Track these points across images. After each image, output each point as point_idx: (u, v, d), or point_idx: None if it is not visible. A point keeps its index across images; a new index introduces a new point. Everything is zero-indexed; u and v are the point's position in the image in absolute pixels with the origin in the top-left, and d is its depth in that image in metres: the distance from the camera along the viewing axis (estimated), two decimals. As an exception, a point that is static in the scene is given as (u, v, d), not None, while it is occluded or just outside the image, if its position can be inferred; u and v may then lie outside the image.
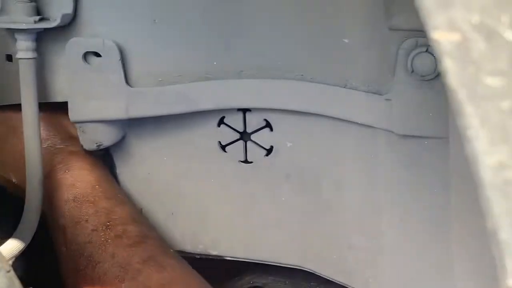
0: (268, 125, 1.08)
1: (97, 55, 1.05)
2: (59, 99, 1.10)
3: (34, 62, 1.03)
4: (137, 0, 1.03)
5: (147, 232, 1.09)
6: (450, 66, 0.36)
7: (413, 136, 0.96)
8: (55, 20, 1.01)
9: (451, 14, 0.36)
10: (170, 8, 1.03)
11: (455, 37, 0.36)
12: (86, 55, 1.05)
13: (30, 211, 1.02)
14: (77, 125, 1.10)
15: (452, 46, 0.36)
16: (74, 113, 1.08)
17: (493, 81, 0.35)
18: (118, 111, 1.07)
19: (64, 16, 1.02)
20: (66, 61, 1.06)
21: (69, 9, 1.03)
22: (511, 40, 0.34)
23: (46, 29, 1.03)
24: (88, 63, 1.05)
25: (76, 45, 1.05)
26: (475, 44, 0.35)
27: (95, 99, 1.06)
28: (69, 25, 1.05)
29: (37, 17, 1.00)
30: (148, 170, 1.16)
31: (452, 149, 0.88)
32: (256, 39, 1.02)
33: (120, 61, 1.04)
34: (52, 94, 1.09)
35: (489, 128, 0.35)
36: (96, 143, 1.11)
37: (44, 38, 1.06)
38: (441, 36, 0.36)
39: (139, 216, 1.13)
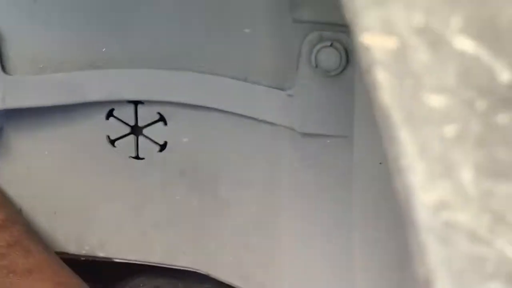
0: (162, 118, 1.01)
1: None
2: None
3: None
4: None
5: (13, 217, 1.04)
6: (382, 80, 0.28)
7: (316, 134, 0.93)
8: None
9: (387, 13, 0.29)
10: (54, -13, 0.93)
11: (391, 42, 0.29)
12: None
13: None
14: None
15: (387, 54, 0.28)
16: None
17: (436, 101, 0.28)
18: None
19: None
20: None
21: None
22: (461, 49, 0.28)
23: None
24: None
25: None
26: (416, 53, 0.28)
27: None
28: None
29: None
30: (27, 165, 1.07)
31: (356, 149, 0.86)
32: (150, 26, 0.95)
33: None
34: None
35: (429, 159, 0.28)
36: None
37: None
38: (373, 41, 0.29)
39: (5, 200, 1.06)
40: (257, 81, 0.94)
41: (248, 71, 0.94)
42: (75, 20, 0.95)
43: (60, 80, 0.96)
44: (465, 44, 0.27)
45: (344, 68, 0.88)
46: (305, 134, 0.93)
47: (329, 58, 0.87)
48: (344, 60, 0.87)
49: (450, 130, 0.28)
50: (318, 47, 0.88)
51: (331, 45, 0.87)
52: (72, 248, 1.10)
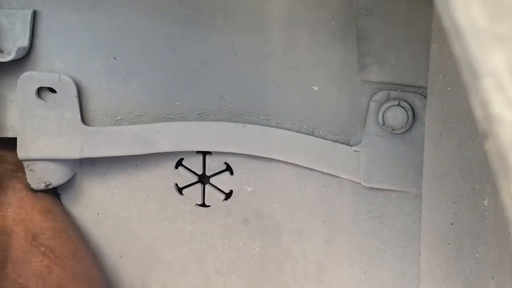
0: (228, 168, 1.05)
1: (52, 90, 0.99)
2: (10, 134, 1.03)
3: (-15, 96, 0.96)
4: (98, 35, 0.98)
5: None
6: None
7: (380, 189, 0.96)
8: (10, 53, 0.94)
9: None
10: (132, 46, 0.98)
11: None
12: (40, 90, 0.99)
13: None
14: (25, 163, 1.04)
15: None
16: (23, 150, 1.02)
17: None
18: (72, 150, 1.01)
19: (19, 49, 0.95)
20: (18, 95, 1.00)
21: (25, 42, 0.96)
22: None
23: (-1, 62, 0.96)
24: (42, 99, 1.00)
25: (29, 79, 0.98)
26: None
27: (47, 136, 1.00)
28: (24, 58, 0.99)
29: (-10, 50, 0.93)
30: (98, 210, 1.11)
31: (424, 207, 0.86)
32: (220, 81, 0.98)
33: (77, 98, 0.99)
34: (2, 129, 1.02)
35: None
36: (45, 183, 1.05)
37: (-4, 71, 0.99)
38: None
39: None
40: (324, 135, 0.96)
41: (316, 125, 0.97)
42: (151, 76, 0.99)
43: (134, 132, 1.00)
44: None
45: (410, 127, 0.91)
46: (370, 188, 0.96)
47: (396, 116, 0.90)
48: (410, 119, 0.90)
49: None
50: (385, 105, 0.90)
51: (398, 104, 0.90)
52: (137, 291, 1.14)
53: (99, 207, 1.10)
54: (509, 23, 0.34)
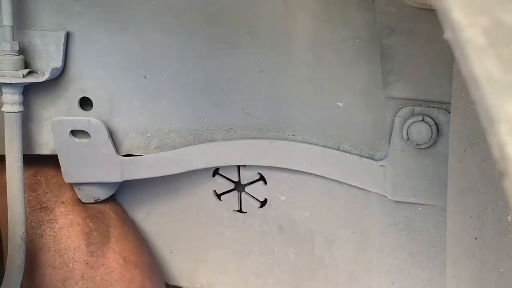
0: (262, 178, 1.07)
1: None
2: (45, 151, 1.07)
3: (20, 115, 1.00)
4: (129, 55, 1.01)
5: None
6: None
7: (407, 202, 0.96)
8: (44, 74, 0.98)
9: None
10: (162, 65, 1.00)
11: None
12: (74, 131, 1.04)
13: (13, 268, 0.99)
14: (74, 184, 1.11)
15: None
16: (68, 177, 1.08)
17: None
18: (113, 176, 1.06)
19: (53, 70, 0.98)
20: (54, 135, 1.04)
21: (58, 63, 1.00)
22: None
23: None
24: (77, 138, 1.04)
25: (61, 125, 1.03)
26: None
27: (88, 166, 1.06)
28: (57, 78, 1.02)
29: (25, 71, 0.97)
30: (147, 211, 1.16)
31: (449, 222, 0.87)
32: (247, 97, 1.00)
33: (109, 138, 1.03)
34: (38, 147, 1.07)
35: None
36: (94, 198, 1.12)
37: (31, 90, 1.03)
38: None
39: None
40: (349, 150, 0.97)
41: (341, 141, 0.98)
42: (180, 94, 1.02)
43: (168, 157, 1.04)
44: None
45: (435, 142, 0.91)
46: (397, 201, 0.97)
47: (420, 131, 0.91)
48: (435, 134, 0.90)
49: None
50: (409, 121, 0.91)
51: (422, 120, 0.91)
52: (185, 283, 1.20)
53: (147, 208, 1.16)
54: None
